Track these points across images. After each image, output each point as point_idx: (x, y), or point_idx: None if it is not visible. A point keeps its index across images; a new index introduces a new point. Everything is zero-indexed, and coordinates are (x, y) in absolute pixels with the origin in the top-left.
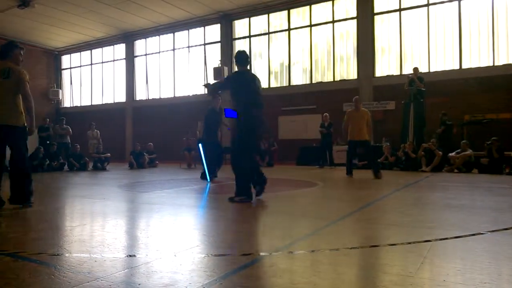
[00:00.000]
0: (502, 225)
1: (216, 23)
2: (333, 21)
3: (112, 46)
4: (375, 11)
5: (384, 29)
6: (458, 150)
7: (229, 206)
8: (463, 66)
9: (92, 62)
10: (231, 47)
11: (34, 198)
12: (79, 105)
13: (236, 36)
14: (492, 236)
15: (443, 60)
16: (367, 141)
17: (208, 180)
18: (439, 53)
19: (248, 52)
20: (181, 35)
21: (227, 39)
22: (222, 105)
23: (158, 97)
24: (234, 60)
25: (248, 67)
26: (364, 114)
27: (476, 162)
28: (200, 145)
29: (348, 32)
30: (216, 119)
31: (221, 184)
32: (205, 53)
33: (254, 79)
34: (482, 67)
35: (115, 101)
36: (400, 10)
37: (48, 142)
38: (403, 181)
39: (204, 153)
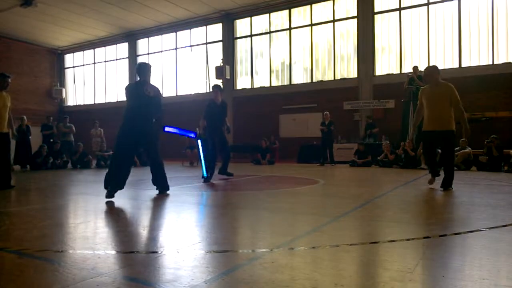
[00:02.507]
0: (501, 222)
1: (218, 22)
2: (334, 20)
3: (115, 45)
4: (375, 10)
5: (384, 28)
6: (457, 148)
7: (230, 203)
8: (463, 65)
9: (95, 61)
10: (232, 46)
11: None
12: (82, 103)
13: (238, 35)
14: (491, 232)
15: (443, 59)
16: (451, 131)
17: (205, 175)
18: (438, 52)
19: (249, 51)
20: (183, 34)
21: (229, 38)
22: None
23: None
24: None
25: (148, 78)
26: (445, 90)
27: (475, 159)
28: (199, 141)
29: (349, 31)
30: (218, 112)
31: (223, 183)
32: (207, 52)
33: (137, 88)
34: (482, 66)
35: (118, 100)
36: (400, 9)
37: (51, 140)
38: (403, 178)
39: (203, 150)
